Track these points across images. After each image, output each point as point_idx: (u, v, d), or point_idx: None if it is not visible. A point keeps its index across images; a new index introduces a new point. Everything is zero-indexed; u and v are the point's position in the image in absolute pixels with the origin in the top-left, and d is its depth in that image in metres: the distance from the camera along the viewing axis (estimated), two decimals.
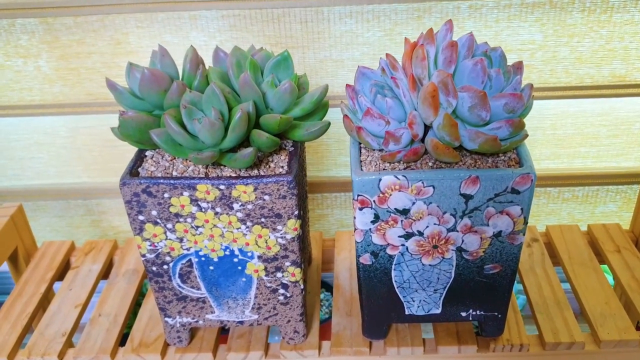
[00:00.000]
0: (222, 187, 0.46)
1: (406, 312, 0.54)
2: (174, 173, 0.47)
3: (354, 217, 0.47)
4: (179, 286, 0.53)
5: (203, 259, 0.50)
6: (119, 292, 0.65)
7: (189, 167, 0.48)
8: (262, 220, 0.47)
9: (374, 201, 0.45)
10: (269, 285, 0.52)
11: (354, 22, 0.68)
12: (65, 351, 0.59)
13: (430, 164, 0.46)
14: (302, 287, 0.53)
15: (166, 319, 0.55)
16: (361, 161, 0.47)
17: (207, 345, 0.57)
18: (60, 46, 0.70)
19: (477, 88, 0.43)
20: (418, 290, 0.52)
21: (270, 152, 0.49)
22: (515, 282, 0.59)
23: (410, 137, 0.45)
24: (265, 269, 0.51)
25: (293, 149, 0.50)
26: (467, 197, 0.45)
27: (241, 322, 0.55)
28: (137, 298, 0.66)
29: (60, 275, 0.70)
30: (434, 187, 0.45)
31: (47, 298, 0.67)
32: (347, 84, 0.49)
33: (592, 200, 0.82)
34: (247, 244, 0.49)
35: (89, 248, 0.72)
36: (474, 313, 0.54)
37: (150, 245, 0.49)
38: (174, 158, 0.49)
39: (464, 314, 0.54)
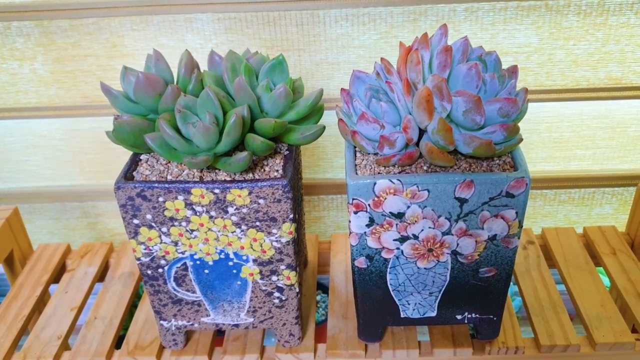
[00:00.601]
0: (216, 191, 0.46)
1: (401, 315, 0.54)
2: (169, 177, 0.47)
3: (349, 221, 0.47)
4: (174, 289, 0.52)
5: (198, 262, 0.50)
6: (114, 295, 0.65)
7: (183, 171, 0.48)
8: (257, 224, 0.47)
9: (369, 205, 0.45)
10: (264, 288, 0.52)
11: (349, 25, 0.68)
12: (60, 354, 0.59)
13: (425, 167, 0.46)
14: (297, 290, 0.53)
15: (161, 322, 0.55)
16: (356, 165, 0.47)
17: (202, 348, 0.57)
18: (56, 49, 0.70)
19: (472, 92, 0.43)
20: (413, 294, 0.52)
21: (265, 156, 0.49)
22: (511, 283, 0.60)
23: (405, 141, 0.45)
24: (261, 272, 0.51)
25: (288, 152, 0.50)
26: (462, 201, 0.45)
27: (236, 325, 0.55)
28: (133, 300, 0.66)
29: (56, 278, 0.70)
30: (428, 191, 0.45)
31: (42, 301, 0.67)
32: (342, 88, 0.49)
33: (588, 202, 0.83)
34: (242, 248, 0.49)
35: (84, 251, 0.72)
36: (469, 316, 0.54)
37: (145, 249, 0.49)
38: (169, 162, 0.49)
39: (459, 317, 0.54)
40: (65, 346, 0.60)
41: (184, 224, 0.48)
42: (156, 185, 0.46)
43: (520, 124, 0.45)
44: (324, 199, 0.83)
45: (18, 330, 0.61)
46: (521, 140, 0.46)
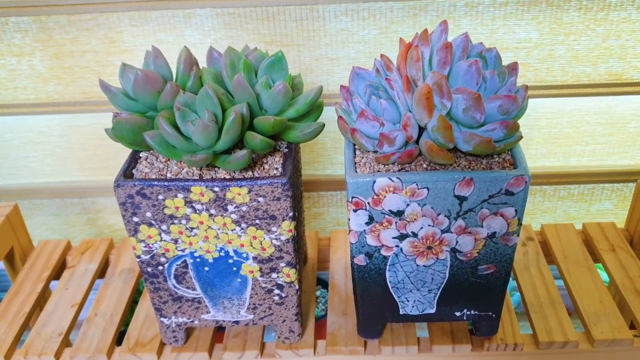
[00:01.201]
0: (216, 189, 0.46)
1: (400, 312, 0.54)
2: (168, 174, 0.47)
3: (349, 219, 0.47)
4: (175, 287, 0.53)
5: (198, 260, 0.51)
6: (115, 291, 0.65)
7: (183, 169, 0.48)
8: (257, 222, 0.47)
9: (368, 203, 0.45)
10: (264, 285, 0.52)
11: (349, 20, 0.68)
12: (61, 351, 0.59)
13: (424, 165, 0.46)
14: (297, 287, 0.53)
15: (162, 319, 0.55)
16: (355, 162, 0.47)
17: (202, 345, 0.57)
18: (54, 45, 0.70)
19: (472, 90, 0.43)
20: (412, 291, 0.52)
21: (264, 154, 0.49)
22: (510, 279, 0.60)
23: (404, 139, 0.45)
24: (260, 269, 0.51)
25: (287, 150, 0.50)
26: (462, 199, 0.45)
27: (237, 322, 0.56)
28: (133, 296, 0.66)
29: (57, 274, 0.70)
30: (428, 189, 0.45)
31: (43, 297, 0.67)
32: (341, 85, 0.48)
33: (588, 198, 0.83)
34: (242, 245, 0.49)
35: (85, 247, 0.72)
36: (468, 313, 0.54)
37: (145, 247, 0.49)
38: (168, 159, 0.49)
39: (458, 314, 0.54)
40: (66, 343, 0.60)
41: (183, 221, 0.48)
42: (156, 183, 0.46)
43: (520, 120, 0.45)
44: (324, 195, 0.83)
45: (19, 327, 0.61)
46: (521, 137, 0.46)
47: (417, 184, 0.44)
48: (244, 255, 0.50)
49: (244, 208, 0.47)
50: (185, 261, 0.51)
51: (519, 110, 0.45)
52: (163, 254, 0.50)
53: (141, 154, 0.50)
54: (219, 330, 0.60)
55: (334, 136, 0.77)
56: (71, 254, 0.72)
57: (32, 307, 0.64)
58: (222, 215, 0.47)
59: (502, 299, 0.53)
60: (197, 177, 0.47)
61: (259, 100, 0.48)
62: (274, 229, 0.48)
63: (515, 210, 0.46)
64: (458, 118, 0.44)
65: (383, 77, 0.47)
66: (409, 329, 0.58)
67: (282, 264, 0.51)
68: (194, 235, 0.49)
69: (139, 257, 0.50)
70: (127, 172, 0.47)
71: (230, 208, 0.47)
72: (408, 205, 0.45)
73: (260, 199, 0.46)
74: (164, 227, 0.48)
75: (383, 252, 0.49)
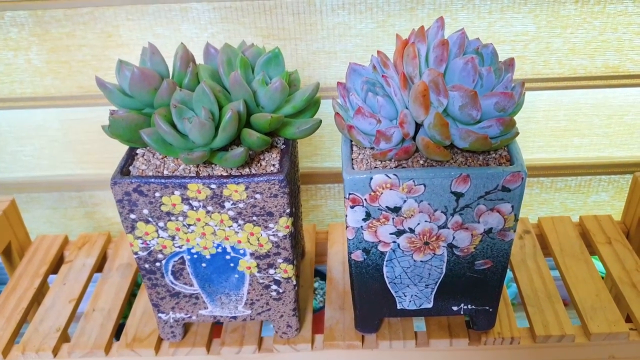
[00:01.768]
0: (213, 186, 0.46)
1: (398, 307, 0.54)
2: (165, 171, 0.47)
3: (346, 215, 0.47)
4: (172, 283, 0.53)
5: (195, 256, 0.51)
6: (112, 286, 0.65)
7: (180, 166, 0.48)
8: (254, 218, 0.48)
9: (365, 199, 0.46)
10: (261, 281, 0.52)
11: (346, 13, 0.68)
12: (59, 346, 0.59)
13: (421, 162, 0.46)
14: (294, 282, 0.53)
15: (159, 314, 0.55)
16: (352, 159, 0.47)
17: (200, 340, 0.58)
18: (50, 39, 0.70)
19: (468, 87, 0.43)
20: (410, 286, 0.52)
21: (261, 150, 0.49)
22: (507, 271, 0.60)
23: (401, 136, 0.45)
24: (258, 265, 0.51)
25: (284, 146, 0.50)
26: (458, 195, 0.45)
27: (234, 318, 0.56)
28: (132, 290, 0.66)
29: (54, 269, 0.70)
30: (425, 186, 0.45)
31: (41, 292, 0.67)
32: (338, 82, 0.48)
33: (585, 190, 0.83)
34: (239, 242, 0.49)
35: (82, 242, 0.72)
36: (465, 307, 0.54)
37: (142, 244, 0.50)
38: (165, 156, 0.49)
39: (455, 308, 0.55)
40: (64, 338, 0.60)
41: (180, 218, 0.48)
42: (152, 180, 0.46)
43: (515, 120, 0.45)
44: (322, 187, 0.83)
45: (17, 322, 0.61)
46: (517, 134, 0.46)
47: (414, 181, 0.44)
48: (241, 251, 0.50)
49: (241, 205, 0.47)
50: (182, 258, 0.51)
51: (515, 106, 0.45)
52: (160, 250, 0.50)
53: (138, 151, 0.50)
54: (217, 323, 0.60)
55: (332, 129, 0.77)
56: (69, 249, 0.72)
57: (29, 302, 0.64)
58: (219, 212, 0.47)
59: (499, 293, 0.53)
60: (194, 175, 0.47)
61: (255, 97, 0.48)
62: (271, 225, 0.48)
63: (512, 206, 0.46)
64: (454, 115, 0.44)
65: (380, 74, 0.46)
66: (406, 324, 0.58)
67: (280, 260, 0.51)
68: (191, 232, 0.49)
69: (136, 253, 0.50)
70: (124, 170, 0.47)
71: (227, 205, 0.47)
72: (405, 201, 0.46)
73: (257, 196, 0.46)
74: (161, 224, 0.48)
75: (380, 247, 0.49)
